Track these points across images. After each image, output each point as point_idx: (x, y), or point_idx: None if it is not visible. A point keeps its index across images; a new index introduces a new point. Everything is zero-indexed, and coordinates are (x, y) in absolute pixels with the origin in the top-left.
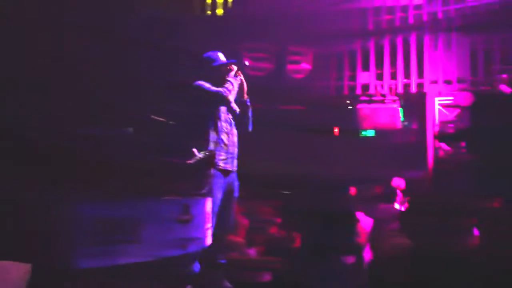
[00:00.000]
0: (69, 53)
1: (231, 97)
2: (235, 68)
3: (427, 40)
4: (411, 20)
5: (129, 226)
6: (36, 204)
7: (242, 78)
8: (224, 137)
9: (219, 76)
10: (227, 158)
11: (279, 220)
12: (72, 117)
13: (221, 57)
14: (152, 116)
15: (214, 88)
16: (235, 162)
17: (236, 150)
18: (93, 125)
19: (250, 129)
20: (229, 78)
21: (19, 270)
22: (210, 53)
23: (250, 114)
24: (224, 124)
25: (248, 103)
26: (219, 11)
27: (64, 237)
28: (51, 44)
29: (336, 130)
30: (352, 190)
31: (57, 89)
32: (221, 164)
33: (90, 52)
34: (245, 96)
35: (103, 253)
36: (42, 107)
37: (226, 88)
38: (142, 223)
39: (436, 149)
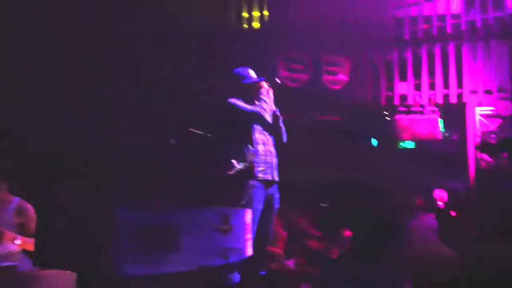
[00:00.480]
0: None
1: (268, 117)
2: (265, 85)
3: (465, 49)
4: (449, 30)
5: (171, 233)
6: (80, 211)
7: (271, 93)
8: (260, 148)
9: (250, 93)
10: (265, 169)
11: (318, 232)
12: (119, 127)
13: (252, 73)
14: (191, 129)
15: (250, 108)
16: (275, 172)
17: (275, 160)
18: (137, 135)
19: (284, 139)
20: (262, 97)
21: (64, 280)
22: (240, 69)
23: (281, 124)
24: (259, 135)
25: (278, 113)
26: (256, 25)
27: (108, 244)
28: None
29: (375, 141)
30: (394, 201)
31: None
32: (260, 175)
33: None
34: (274, 106)
35: (147, 260)
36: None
37: (262, 107)
38: (183, 231)
39: (477, 160)
